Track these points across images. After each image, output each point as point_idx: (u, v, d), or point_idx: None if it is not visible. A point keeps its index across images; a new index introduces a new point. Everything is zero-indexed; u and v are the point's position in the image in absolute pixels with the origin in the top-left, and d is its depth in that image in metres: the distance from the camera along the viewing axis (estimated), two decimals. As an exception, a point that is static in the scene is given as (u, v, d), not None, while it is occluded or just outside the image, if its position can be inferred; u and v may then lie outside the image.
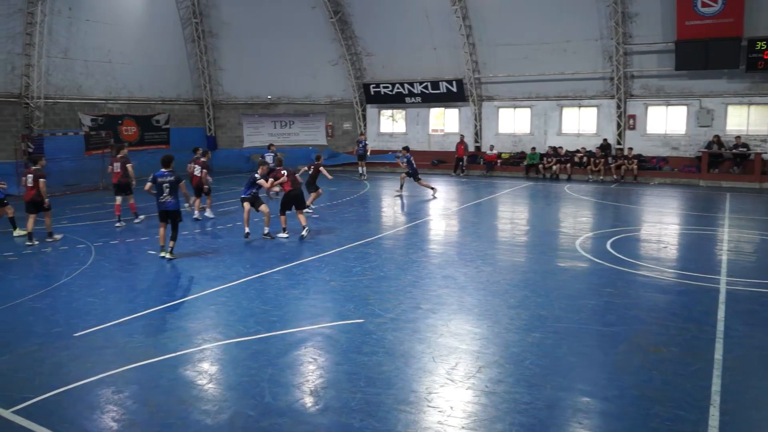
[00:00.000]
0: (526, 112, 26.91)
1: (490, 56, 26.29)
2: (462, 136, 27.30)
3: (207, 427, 5.20)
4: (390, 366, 6.38)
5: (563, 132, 26.18)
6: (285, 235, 13.13)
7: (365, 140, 26.79)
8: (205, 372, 6.36)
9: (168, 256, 11.25)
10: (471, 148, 27.66)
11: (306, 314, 8.27)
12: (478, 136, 27.81)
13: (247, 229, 13.08)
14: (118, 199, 15.12)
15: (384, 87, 28.88)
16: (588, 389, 5.85)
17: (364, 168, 25.69)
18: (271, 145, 21.23)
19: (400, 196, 20.03)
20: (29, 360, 6.61)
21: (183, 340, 7.20)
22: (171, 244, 11.32)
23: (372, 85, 29.14)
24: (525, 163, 25.92)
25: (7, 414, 5.37)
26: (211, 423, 5.27)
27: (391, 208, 19.04)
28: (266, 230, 13.17)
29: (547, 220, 16.41)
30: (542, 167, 25.36)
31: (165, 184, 11.10)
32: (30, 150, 20.18)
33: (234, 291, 9.29)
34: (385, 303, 8.55)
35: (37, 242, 12.60)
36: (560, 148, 25.41)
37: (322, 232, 14.11)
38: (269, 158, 18.12)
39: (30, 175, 12.79)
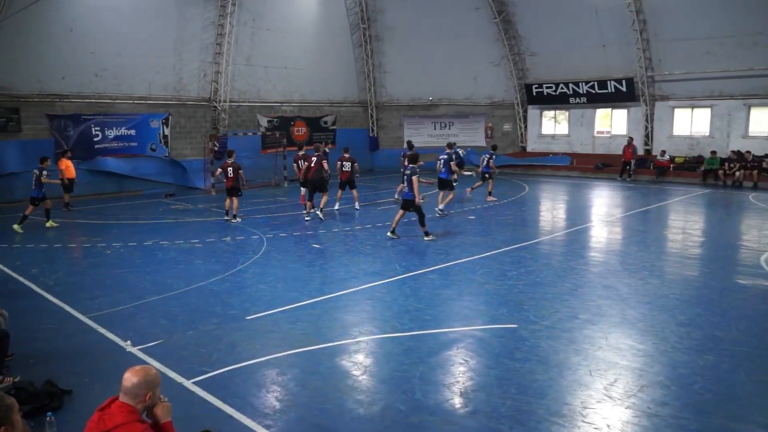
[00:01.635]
0: (706, 112, 24.58)
1: (666, 52, 24.36)
2: (630, 139, 25.51)
3: (360, 416, 5.44)
4: (543, 375, 6.20)
5: (750, 134, 23.55)
6: (320, 214, 15.48)
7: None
8: (360, 363, 6.64)
9: (426, 239, 12.99)
10: (640, 151, 25.87)
11: (459, 315, 8.31)
12: (648, 138, 25.98)
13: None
14: (302, 191, 16.97)
15: (547, 87, 28.04)
16: (769, 423, 5.25)
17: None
18: (411, 143, 19.93)
19: (495, 201, 18.83)
20: (209, 337, 7.37)
21: (341, 331, 7.59)
22: (423, 228, 13.10)
23: (534, 86, 28.41)
24: (702, 168, 23.63)
25: (188, 384, 6.03)
26: (363, 413, 5.50)
27: (549, 212, 18.44)
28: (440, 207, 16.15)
29: (726, 231, 14.86)
30: (723, 173, 22.98)
31: (405, 176, 13.26)
32: (215, 148, 22.43)
33: (390, 287, 9.59)
34: (541, 310, 8.32)
35: (239, 219, 15.43)
36: (747, 152, 22.82)
37: (477, 233, 14.06)
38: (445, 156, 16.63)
39: (230, 168, 15.32)
